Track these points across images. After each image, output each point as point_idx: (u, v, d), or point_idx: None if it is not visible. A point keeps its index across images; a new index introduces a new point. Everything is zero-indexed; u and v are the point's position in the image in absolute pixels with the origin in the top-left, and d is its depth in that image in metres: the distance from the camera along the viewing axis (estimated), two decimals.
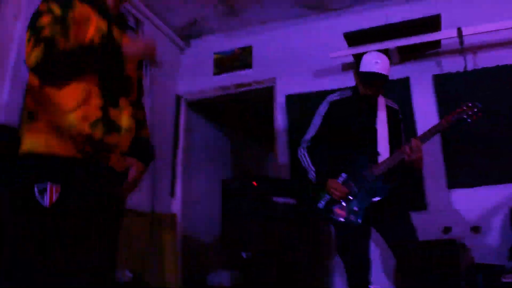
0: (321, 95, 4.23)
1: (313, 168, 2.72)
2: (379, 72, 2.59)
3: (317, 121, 2.80)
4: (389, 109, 2.79)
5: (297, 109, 4.44)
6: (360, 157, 2.65)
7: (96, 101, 1.59)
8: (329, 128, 2.76)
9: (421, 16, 3.98)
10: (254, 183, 3.44)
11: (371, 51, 2.84)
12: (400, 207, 2.63)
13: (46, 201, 1.45)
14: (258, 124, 6.04)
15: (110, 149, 1.64)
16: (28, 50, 1.52)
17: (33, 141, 1.54)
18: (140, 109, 1.94)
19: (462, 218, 3.54)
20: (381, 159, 2.62)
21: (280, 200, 3.48)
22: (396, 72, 4.03)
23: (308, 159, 2.75)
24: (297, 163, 4.14)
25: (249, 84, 4.82)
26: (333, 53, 4.26)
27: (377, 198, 2.56)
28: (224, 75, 4.98)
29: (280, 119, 4.56)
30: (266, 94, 4.78)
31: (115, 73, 1.70)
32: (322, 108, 2.80)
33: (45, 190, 1.46)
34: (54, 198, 1.46)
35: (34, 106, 1.59)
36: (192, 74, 5.14)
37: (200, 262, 4.85)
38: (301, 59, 4.62)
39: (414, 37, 3.95)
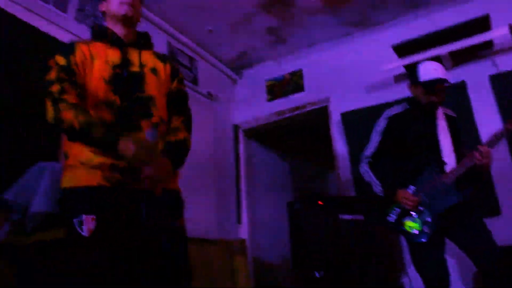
0: (377, 109, 4.26)
1: (378, 182, 2.66)
2: (442, 77, 2.58)
3: (375, 137, 2.75)
4: (448, 118, 2.74)
5: (353, 125, 4.45)
6: (427, 168, 2.57)
7: None
8: (390, 143, 2.71)
9: (468, 18, 3.94)
10: (320, 202, 3.48)
11: (423, 60, 2.82)
12: (474, 214, 2.52)
13: (86, 231, 1.54)
14: (316, 144, 6.09)
15: (140, 174, 1.62)
16: (46, 107, 1.64)
17: (66, 178, 1.65)
18: (178, 118, 1.92)
19: None
20: (448, 167, 2.55)
21: (347, 217, 3.49)
22: (451, 77, 3.98)
23: (371, 173, 2.71)
24: (360, 178, 4.23)
25: (303, 106, 4.90)
26: (384, 66, 4.27)
27: (449, 205, 2.48)
28: (277, 101, 5.11)
29: (337, 137, 4.60)
30: (321, 114, 4.84)
31: (133, 97, 1.73)
32: (381, 125, 2.76)
33: (82, 222, 1.54)
34: (92, 227, 1.54)
35: (66, 147, 1.71)
36: (247, 103, 5.31)
37: (272, 285, 4.89)
38: (352, 75, 4.66)
39: (464, 40, 3.89)
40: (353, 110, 4.50)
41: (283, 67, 5.18)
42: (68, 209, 1.60)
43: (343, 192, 4.34)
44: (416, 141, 2.64)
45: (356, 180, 4.27)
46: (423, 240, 2.48)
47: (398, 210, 2.59)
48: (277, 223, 4.97)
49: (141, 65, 1.82)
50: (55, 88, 1.63)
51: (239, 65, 5.36)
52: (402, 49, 4.16)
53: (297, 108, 4.94)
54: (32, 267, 2.35)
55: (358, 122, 4.40)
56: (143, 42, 1.94)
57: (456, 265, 3.42)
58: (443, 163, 2.57)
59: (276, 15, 4.41)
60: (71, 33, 3.28)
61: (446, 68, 4.02)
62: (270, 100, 5.17)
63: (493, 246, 2.39)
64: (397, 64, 4.21)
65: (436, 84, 2.59)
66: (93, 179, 1.60)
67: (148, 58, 1.88)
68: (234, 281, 4.25)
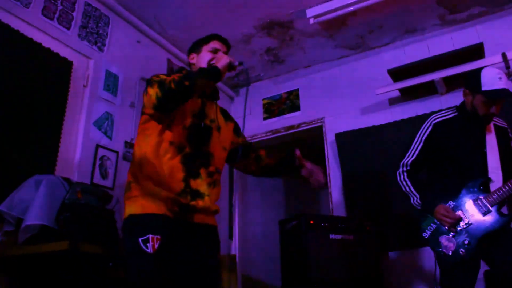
0: (371, 130, 4.38)
1: (417, 194, 2.47)
2: (506, 88, 2.35)
3: (417, 143, 2.55)
4: (498, 129, 2.53)
5: (347, 146, 4.50)
6: (470, 184, 2.38)
7: (179, 175, 1.90)
8: (432, 152, 2.53)
9: (462, 45, 4.01)
10: (311, 222, 3.50)
11: (487, 66, 2.58)
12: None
13: (150, 249, 1.74)
14: None
15: (195, 210, 1.93)
16: (147, 96, 1.87)
17: (133, 206, 1.88)
18: (258, 160, 2.44)
19: None
20: (493, 186, 2.36)
21: (338, 237, 3.52)
22: (444, 102, 4.06)
23: (409, 184, 2.51)
24: (353, 199, 4.28)
25: (299, 126, 4.96)
26: (379, 90, 4.34)
27: (489, 230, 2.29)
28: (273, 119, 5.16)
29: (331, 157, 4.64)
30: (316, 133, 4.89)
31: (198, 149, 2.00)
32: (424, 130, 2.55)
33: (147, 240, 1.75)
34: (156, 246, 1.75)
35: (132, 178, 1.95)
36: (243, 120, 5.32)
37: None
38: (348, 97, 4.73)
39: (458, 66, 3.96)
40: (347, 131, 4.55)
41: (280, 87, 5.25)
42: (135, 232, 1.81)
43: (334, 211, 4.38)
44: (461, 153, 2.47)
45: (347, 199, 4.30)
46: (457, 263, 2.31)
47: (434, 226, 2.42)
48: (269, 241, 4.98)
49: (213, 121, 2.10)
50: (158, 79, 1.88)
51: (237, 83, 5.43)
52: (397, 73, 4.22)
53: (292, 127, 4.99)
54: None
55: (351, 143, 4.46)
56: (214, 94, 2.20)
57: None
58: (488, 181, 2.38)
59: (275, 36, 4.49)
60: (73, 49, 3.35)
61: (439, 93, 4.15)
62: (266, 118, 5.22)
63: None
64: (392, 88, 4.27)
65: (500, 96, 2.36)
66: (160, 209, 1.85)
67: (218, 115, 2.17)
68: None
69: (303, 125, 4.93)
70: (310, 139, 5.15)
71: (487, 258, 2.35)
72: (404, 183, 2.53)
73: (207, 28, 4.18)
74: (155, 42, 4.26)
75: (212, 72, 1.94)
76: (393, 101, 4.44)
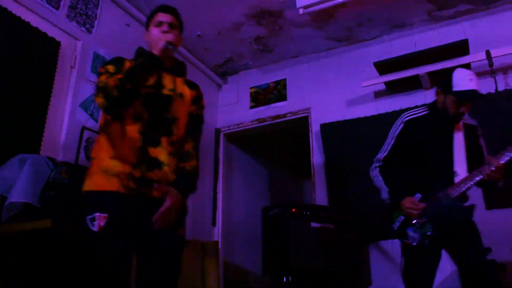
0: (355, 122, 4.44)
1: (386, 188, 2.58)
2: (475, 89, 2.45)
3: (390, 140, 2.67)
4: (466, 127, 2.63)
5: (332, 136, 4.56)
6: (436, 177, 2.50)
7: (135, 144, 1.87)
8: (403, 148, 2.63)
9: (448, 41, 4.07)
10: (293, 209, 3.56)
11: (458, 67, 2.67)
12: (473, 228, 2.46)
13: (95, 227, 1.73)
14: (294, 153, 6.18)
15: (153, 182, 1.86)
16: (96, 100, 1.89)
17: (87, 183, 1.87)
18: (190, 142, 2.10)
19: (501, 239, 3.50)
20: (458, 179, 2.46)
21: (319, 225, 3.58)
22: (428, 97, 4.12)
23: (380, 178, 2.63)
24: (335, 190, 4.35)
25: (285, 116, 5.01)
26: (365, 82, 4.39)
27: (453, 222, 2.41)
28: (260, 108, 5.20)
29: (315, 147, 4.70)
30: (301, 124, 4.95)
31: (159, 116, 1.95)
32: (396, 127, 2.67)
33: (94, 219, 1.74)
34: (102, 224, 1.73)
35: (94, 154, 1.94)
36: (230, 108, 5.40)
37: (242, 287, 4.96)
38: (334, 88, 4.78)
39: (443, 62, 4.03)
40: (332, 122, 4.61)
41: (268, 76, 5.29)
42: (85, 209, 1.80)
43: (317, 201, 4.44)
44: (430, 149, 2.58)
45: (329, 189, 4.37)
46: (420, 253, 2.43)
47: (402, 218, 2.51)
48: (252, 228, 5.04)
49: (172, 90, 2.03)
50: (102, 83, 1.86)
51: (225, 71, 5.45)
52: (383, 67, 4.27)
53: (278, 116, 5.04)
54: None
55: (336, 134, 4.52)
56: (178, 70, 2.14)
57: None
58: (453, 174, 2.48)
59: (264, 25, 4.50)
60: (61, 29, 3.33)
61: (424, 88, 4.22)
62: (253, 107, 5.26)
63: (487, 263, 2.35)
64: (378, 81, 4.34)
65: (470, 96, 2.46)
66: (113, 185, 1.81)
67: (179, 84, 2.09)
68: (204, 281, 4.29)
69: (289, 114, 4.97)
70: (296, 129, 5.21)
71: (452, 250, 2.47)
72: (376, 178, 2.65)
73: (196, 14, 4.22)
74: (144, 25, 4.20)
75: (151, 63, 1.89)
76: (378, 94, 4.50)
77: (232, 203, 5.23)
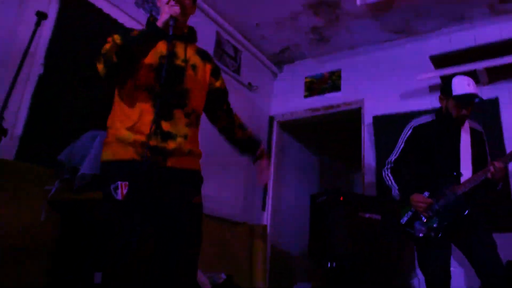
0: (408, 116, 4.36)
1: (396, 186, 2.82)
2: (474, 92, 2.69)
3: (400, 144, 2.90)
4: (472, 131, 2.85)
5: (384, 129, 4.58)
6: (443, 177, 2.71)
7: (148, 117, 1.85)
8: (412, 151, 2.86)
9: (509, 36, 3.97)
10: (341, 198, 3.64)
11: (457, 74, 2.91)
12: (482, 226, 2.63)
13: (119, 195, 1.77)
14: (346, 144, 6.22)
15: (168, 154, 1.88)
16: (98, 69, 1.84)
17: (105, 153, 1.91)
18: (233, 112, 2.27)
19: None
20: (463, 179, 2.67)
21: (366, 215, 3.64)
22: (485, 93, 4.04)
23: (391, 178, 2.87)
24: (382, 181, 4.35)
25: (338, 106, 5.06)
26: (419, 76, 4.36)
27: (458, 215, 2.59)
28: (314, 98, 5.28)
29: (367, 139, 4.73)
30: (354, 115, 4.99)
31: (171, 88, 1.92)
32: (405, 133, 2.90)
33: (117, 187, 1.78)
34: (125, 191, 1.78)
35: (109, 123, 1.96)
36: (284, 97, 5.52)
37: (287, 271, 5.12)
38: (389, 81, 4.78)
39: (503, 57, 3.94)
40: (385, 115, 4.62)
41: (323, 66, 5.35)
42: (107, 179, 1.83)
43: (366, 192, 4.49)
44: (437, 151, 2.77)
45: (378, 181, 4.40)
46: (429, 244, 2.63)
47: (410, 213, 2.74)
48: (300, 214, 5.16)
49: (185, 60, 1.99)
50: (104, 50, 1.84)
51: (281, 59, 5.56)
52: (439, 61, 4.23)
53: (332, 106, 5.10)
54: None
55: (388, 127, 4.52)
56: (189, 36, 2.09)
57: (463, 274, 3.54)
58: (459, 175, 2.69)
59: (321, 15, 4.57)
60: (130, 16, 3.57)
61: (481, 83, 4.14)
62: (307, 96, 5.35)
63: (497, 260, 2.51)
64: (433, 75, 4.30)
65: (469, 99, 2.70)
66: (128, 153, 1.83)
67: (191, 54, 2.05)
68: (251, 263, 4.48)
69: (342, 105, 5.03)
70: (349, 120, 5.25)
71: (461, 246, 2.66)
72: (387, 177, 2.89)
73: (255, 3, 4.35)
74: (206, 14, 4.43)
75: (152, 34, 1.82)
76: (433, 88, 4.45)
77: (282, 189, 5.37)
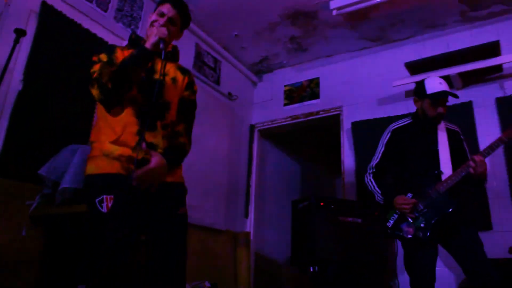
0: (386, 121, 4.48)
1: (379, 191, 2.85)
2: (447, 89, 2.77)
3: (380, 148, 2.95)
4: (449, 131, 2.89)
5: (362, 134, 4.67)
6: (424, 177, 2.73)
7: (132, 128, 1.89)
8: (393, 154, 2.90)
9: (482, 42, 4.10)
10: (322, 203, 3.68)
11: (429, 76, 3.01)
12: (468, 224, 2.65)
13: (104, 208, 1.78)
14: (326, 149, 6.30)
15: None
16: (91, 92, 1.89)
17: (91, 166, 1.91)
18: (181, 124, 2.12)
19: None
20: (444, 177, 2.69)
21: (347, 219, 3.69)
22: (460, 97, 4.12)
23: (374, 183, 2.88)
24: (364, 187, 4.42)
25: (317, 113, 5.14)
26: (395, 82, 4.46)
27: (444, 213, 2.61)
28: (294, 106, 5.36)
29: (346, 144, 4.81)
30: (333, 121, 5.07)
31: (153, 100, 1.90)
32: (384, 136, 2.95)
33: (102, 200, 1.80)
34: (110, 205, 1.79)
35: (94, 138, 1.97)
36: (265, 105, 5.59)
37: (272, 278, 5.15)
38: (366, 87, 4.88)
39: (475, 63, 4.06)
40: (363, 120, 4.71)
41: (302, 75, 5.43)
42: (91, 192, 1.85)
43: (346, 196, 4.56)
44: (416, 152, 2.82)
45: (358, 185, 4.47)
46: (417, 245, 2.65)
47: (395, 216, 2.76)
48: (282, 221, 5.21)
49: (163, 75, 2.02)
50: (96, 74, 1.87)
51: (261, 69, 5.63)
52: (414, 67, 4.34)
53: (311, 114, 5.18)
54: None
55: (367, 132, 4.61)
56: (170, 55, 2.14)
57: (448, 275, 3.62)
58: (440, 173, 2.72)
59: (299, 25, 4.65)
60: (109, 30, 3.59)
61: (455, 88, 4.26)
62: (287, 104, 5.42)
63: (484, 257, 2.54)
64: (409, 81, 4.39)
65: (442, 96, 2.77)
66: (114, 167, 1.85)
67: (171, 69, 2.11)
68: (235, 270, 4.50)
69: (321, 112, 5.11)
70: (328, 126, 5.33)
71: (447, 245, 2.69)
72: (370, 183, 2.93)
73: (235, 14, 4.41)
74: None
75: (142, 56, 1.86)
76: (409, 94, 4.55)
77: (264, 196, 5.42)
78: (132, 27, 3.81)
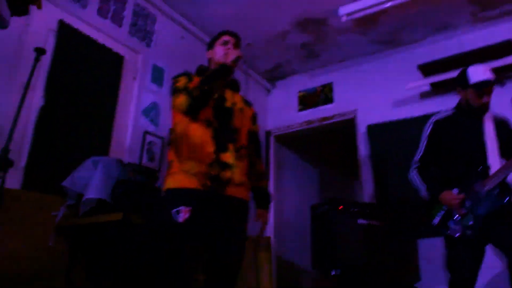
0: (402, 123, 4.50)
1: (424, 185, 2.67)
2: (491, 79, 2.60)
3: (423, 141, 2.78)
4: (497, 121, 2.70)
5: (378, 137, 4.65)
6: (470, 172, 2.56)
7: (210, 148, 2.14)
8: (436, 147, 2.73)
9: (495, 41, 4.06)
10: (341, 207, 3.68)
11: (472, 65, 2.80)
12: None
13: (181, 218, 1.99)
14: (342, 153, 6.27)
15: (226, 182, 2.13)
16: (177, 102, 2.15)
17: (170, 181, 2.14)
18: (259, 161, 2.51)
19: None
20: (492, 171, 2.51)
21: (366, 222, 3.68)
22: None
23: (418, 178, 2.72)
24: (382, 188, 4.42)
25: (332, 117, 5.14)
26: (409, 84, 4.45)
27: (493, 210, 2.44)
28: (308, 111, 5.38)
29: (362, 148, 4.79)
30: (348, 125, 5.06)
31: (224, 126, 2.23)
32: (427, 129, 2.78)
33: (179, 211, 2.00)
34: (187, 216, 1.99)
35: (172, 157, 2.20)
36: (279, 111, 5.61)
37: (294, 281, 5.14)
38: (380, 91, 4.86)
39: (488, 62, 4.00)
40: (378, 123, 4.70)
41: (315, 80, 5.45)
42: (169, 203, 2.06)
43: (365, 199, 4.54)
44: (462, 144, 2.65)
45: (377, 189, 4.45)
46: (463, 244, 2.49)
47: (442, 212, 2.60)
48: (302, 225, 5.19)
49: (233, 104, 2.34)
50: (182, 86, 2.17)
51: (274, 76, 5.66)
52: (427, 69, 4.31)
53: (326, 118, 5.18)
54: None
55: (382, 135, 4.61)
56: (235, 86, 2.45)
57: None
58: (487, 167, 2.54)
59: (310, 32, 4.67)
60: (125, 45, 3.68)
61: None
62: (301, 109, 5.44)
63: None
64: (422, 83, 4.38)
65: (486, 85, 2.60)
66: (193, 183, 2.08)
67: (237, 100, 2.41)
68: (257, 275, 4.50)
69: (336, 116, 5.11)
70: (343, 130, 5.33)
71: (494, 239, 2.48)
72: (414, 178, 2.74)
73: (245, 25, 4.45)
74: (197, 38, 4.55)
75: (223, 71, 2.14)
76: (424, 95, 4.54)
77: (283, 201, 5.41)
78: (147, 40, 3.89)
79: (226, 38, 2.39)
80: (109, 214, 2.56)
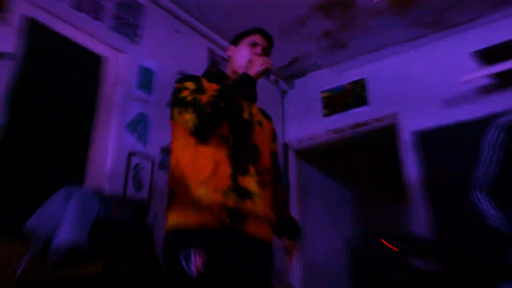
0: (458, 127, 4.32)
1: (494, 211, 2.47)
2: None
3: (488, 153, 2.60)
4: None
5: (429, 147, 4.48)
6: None
7: (225, 170, 2.02)
8: (509, 160, 2.55)
9: None
10: (383, 240, 3.48)
11: None
12: None
13: (194, 272, 1.83)
14: (382, 170, 6.13)
15: (246, 216, 2.01)
16: (182, 120, 2.03)
17: (174, 218, 2.00)
18: (280, 187, 2.45)
19: None
20: None
21: (423, 265, 3.46)
22: None
23: (485, 201, 2.53)
24: (440, 216, 4.21)
25: (366, 123, 4.99)
26: (463, 76, 4.30)
27: None
28: (335, 116, 5.24)
29: (409, 160, 4.61)
30: (388, 132, 4.91)
31: (242, 142, 2.14)
32: (492, 136, 2.61)
33: (189, 257, 1.85)
34: (200, 266, 1.83)
35: (174, 185, 2.08)
36: (299, 118, 5.50)
37: None
38: (426, 86, 4.73)
39: None
40: (428, 129, 4.54)
41: (343, 76, 5.34)
42: (176, 248, 1.92)
43: (415, 228, 4.35)
44: None
45: (432, 214, 4.24)
46: None
47: None
48: (336, 261, 5.02)
49: (250, 115, 2.28)
50: (190, 98, 2.05)
51: (290, 73, 5.58)
52: (485, 56, 4.17)
53: (358, 125, 5.04)
54: None
55: (435, 143, 4.44)
56: (251, 95, 2.38)
57: None
58: None
59: (334, 17, 4.57)
60: (103, 41, 3.58)
61: None
62: (326, 115, 5.32)
63: None
64: (479, 74, 4.23)
65: None
66: (206, 219, 1.94)
67: (255, 111, 2.36)
68: None
69: (372, 122, 4.97)
70: (382, 140, 5.21)
71: None
72: (478, 201, 2.54)
73: (253, 12, 4.35)
74: (195, 30, 4.48)
75: (246, 84, 2.11)
76: (485, 90, 4.37)
77: (309, 233, 5.23)
78: (131, 36, 3.80)
79: (256, 38, 2.37)
80: (87, 264, 2.42)
